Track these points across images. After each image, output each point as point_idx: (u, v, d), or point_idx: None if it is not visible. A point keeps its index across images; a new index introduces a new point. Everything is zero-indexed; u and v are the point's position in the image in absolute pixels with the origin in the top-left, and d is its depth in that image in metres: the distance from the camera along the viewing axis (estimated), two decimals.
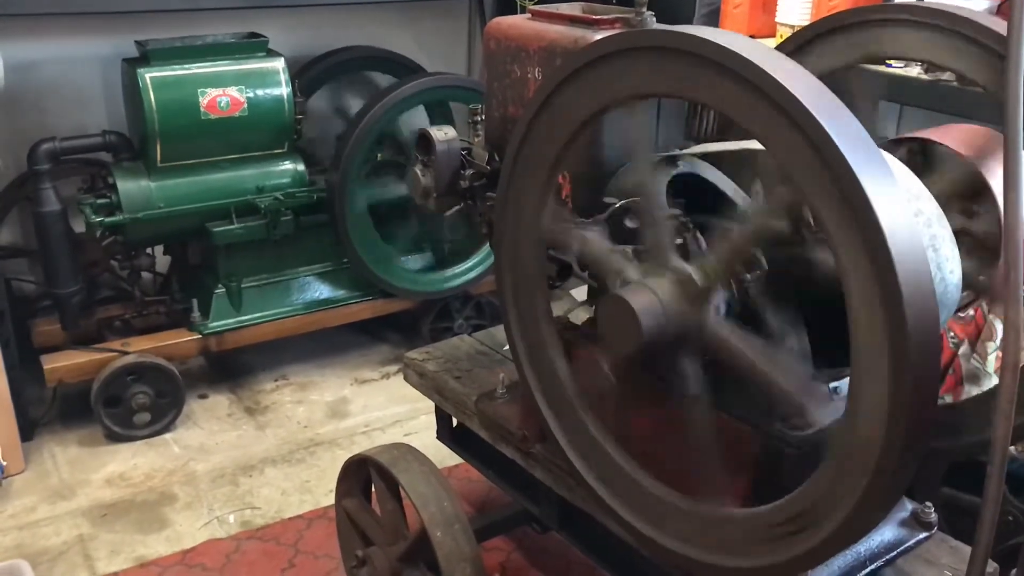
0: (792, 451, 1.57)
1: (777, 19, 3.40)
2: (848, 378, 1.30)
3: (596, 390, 1.77)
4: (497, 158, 2.25)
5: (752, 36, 3.44)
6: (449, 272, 3.99)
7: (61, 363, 3.35)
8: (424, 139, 2.25)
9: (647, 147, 1.86)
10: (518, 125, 1.75)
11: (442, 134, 2.23)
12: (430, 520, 2.14)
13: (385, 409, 3.67)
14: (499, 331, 2.84)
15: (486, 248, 3.91)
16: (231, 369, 3.91)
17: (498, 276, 1.92)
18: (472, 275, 4.00)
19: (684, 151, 1.92)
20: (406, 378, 2.65)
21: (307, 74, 3.99)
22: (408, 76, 3.88)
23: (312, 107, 3.99)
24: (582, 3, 2.32)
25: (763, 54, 1.30)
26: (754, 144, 1.70)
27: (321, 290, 3.84)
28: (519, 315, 1.88)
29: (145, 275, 3.75)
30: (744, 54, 1.28)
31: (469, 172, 2.23)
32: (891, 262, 1.16)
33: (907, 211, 1.21)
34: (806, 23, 2.77)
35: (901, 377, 1.19)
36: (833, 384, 1.63)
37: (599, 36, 1.78)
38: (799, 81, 1.26)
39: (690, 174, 1.84)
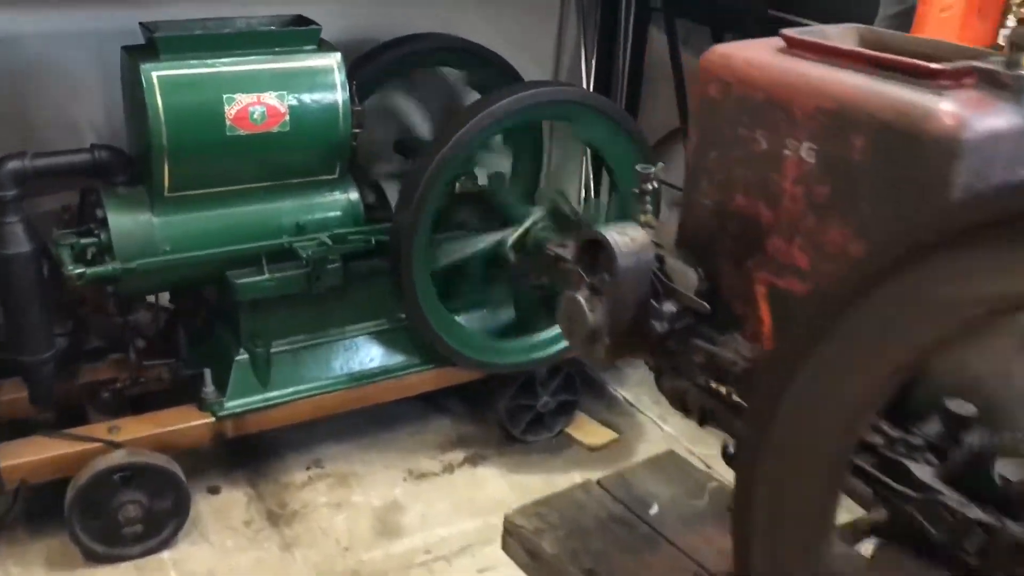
0: None
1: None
2: None
3: None
4: (703, 274, 1.39)
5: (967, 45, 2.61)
6: (536, 339, 3.09)
7: (25, 458, 2.48)
8: (594, 245, 1.37)
9: None
10: (814, 302, 0.91)
11: (627, 239, 1.35)
12: None
13: (450, 524, 2.81)
14: (635, 476, 2.10)
15: None
16: (250, 451, 3.03)
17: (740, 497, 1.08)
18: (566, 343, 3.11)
19: None
20: (507, 550, 1.87)
21: (363, 70, 3.06)
22: (494, 78, 3.03)
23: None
24: (859, 26, 1.45)
25: None
26: None
27: (372, 355, 2.96)
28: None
29: (144, 317, 2.89)
30: None
31: (669, 308, 1.35)
32: None
33: None
34: None
35: None
36: None
37: (947, 104, 0.97)
38: None
39: None
